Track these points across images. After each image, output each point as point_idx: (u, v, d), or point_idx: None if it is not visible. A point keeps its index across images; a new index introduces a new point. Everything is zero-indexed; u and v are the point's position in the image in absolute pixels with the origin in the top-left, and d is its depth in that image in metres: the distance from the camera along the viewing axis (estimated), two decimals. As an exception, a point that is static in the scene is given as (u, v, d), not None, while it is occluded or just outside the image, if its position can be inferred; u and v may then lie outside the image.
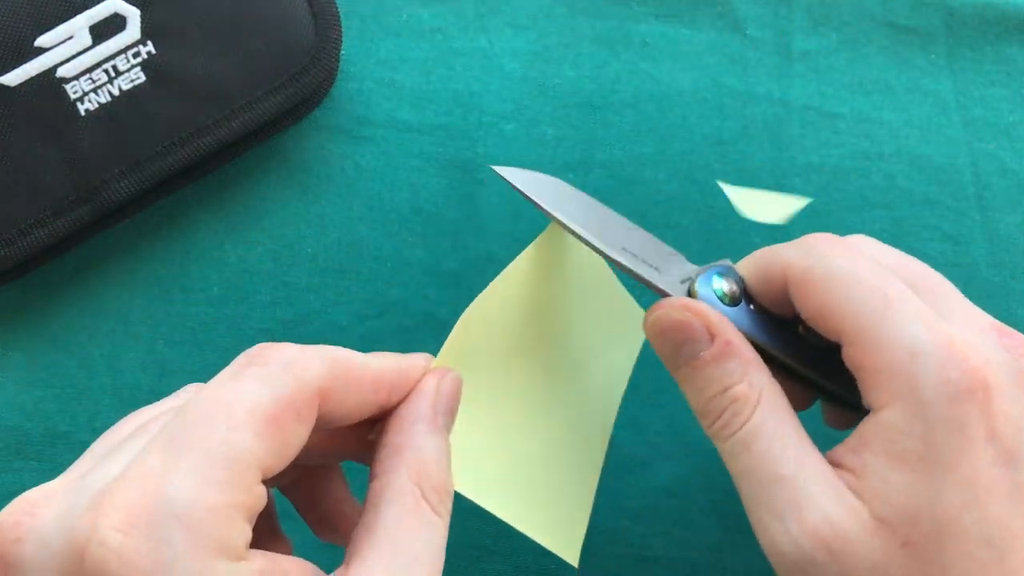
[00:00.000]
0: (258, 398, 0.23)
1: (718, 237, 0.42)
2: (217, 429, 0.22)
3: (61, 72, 0.37)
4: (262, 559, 0.23)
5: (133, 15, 0.38)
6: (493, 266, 0.41)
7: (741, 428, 0.27)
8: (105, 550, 0.21)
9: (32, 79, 0.37)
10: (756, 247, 0.42)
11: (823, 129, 0.43)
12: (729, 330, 0.28)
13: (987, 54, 0.44)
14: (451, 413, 0.28)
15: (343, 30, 0.41)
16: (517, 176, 0.31)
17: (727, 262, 0.31)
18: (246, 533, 0.22)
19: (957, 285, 0.42)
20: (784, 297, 0.29)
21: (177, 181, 0.39)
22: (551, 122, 0.43)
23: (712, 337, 0.28)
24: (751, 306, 0.30)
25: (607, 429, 0.33)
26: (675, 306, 0.29)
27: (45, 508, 0.22)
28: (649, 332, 0.30)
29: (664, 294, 0.30)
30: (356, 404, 0.26)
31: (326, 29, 0.40)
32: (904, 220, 0.43)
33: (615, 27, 0.44)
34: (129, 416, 0.26)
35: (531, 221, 0.42)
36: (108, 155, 0.38)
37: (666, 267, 0.30)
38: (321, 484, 0.31)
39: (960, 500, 0.24)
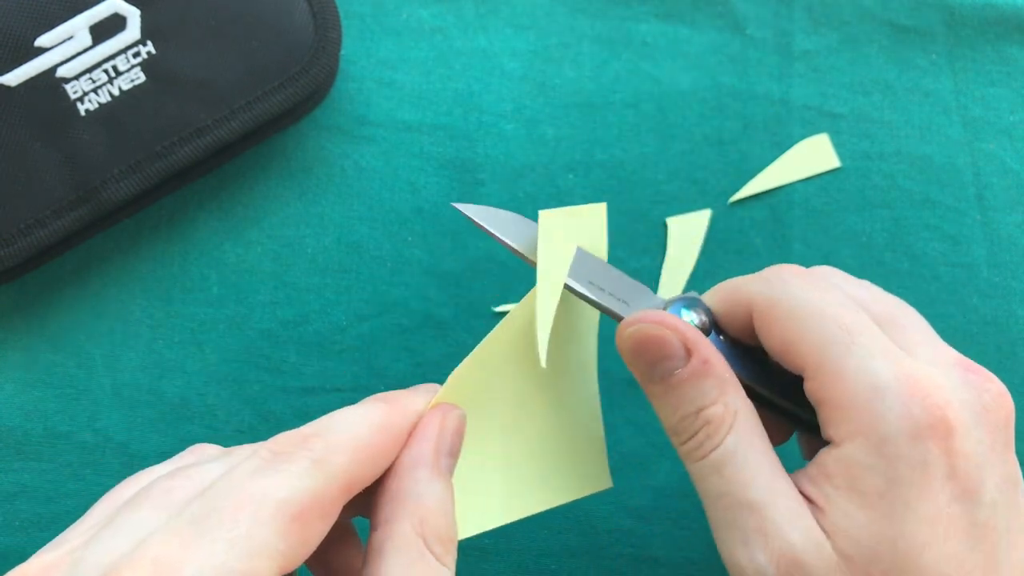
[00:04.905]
0: (287, 494, 0.22)
1: (718, 237, 0.42)
2: (242, 521, 0.22)
3: (61, 72, 0.37)
4: None
5: (133, 15, 0.38)
6: (493, 266, 0.42)
7: (713, 451, 0.27)
8: None
9: (32, 79, 0.37)
10: (756, 247, 0.42)
11: (823, 129, 0.43)
12: (705, 347, 0.28)
13: (987, 54, 0.44)
14: (454, 453, 0.27)
15: (343, 30, 0.41)
16: (482, 214, 0.30)
17: (694, 294, 0.31)
18: None
19: (957, 285, 0.42)
20: (750, 329, 0.29)
21: (177, 181, 0.39)
22: (551, 122, 0.43)
23: (689, 354, 0.28)
24: (721, 336, 0.30)
25: (593, 374, 0.32)
26: (651, 320, 0.28)
27: None
28: (624, 347, 0.29)
29: None
30: (375, 474, 0.25)
31: (326, 29, 0.40)
32: (904, 220, 0.43)
33: (615, 27, 0.44)
34: (129, 479, 0.26)
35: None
36: (108, 155, 0.38)
37: (634, 300, 0.30)
38: (332, 541, 0.29)
39: (921, 538, 0.25)
